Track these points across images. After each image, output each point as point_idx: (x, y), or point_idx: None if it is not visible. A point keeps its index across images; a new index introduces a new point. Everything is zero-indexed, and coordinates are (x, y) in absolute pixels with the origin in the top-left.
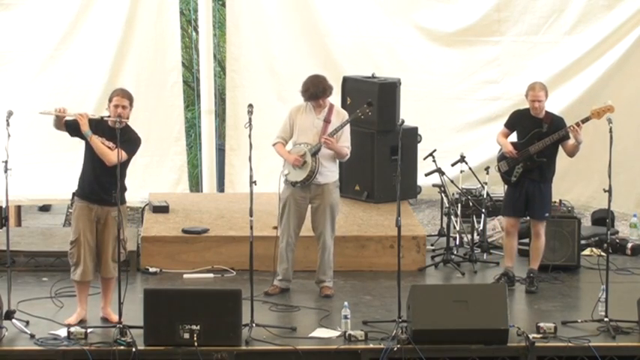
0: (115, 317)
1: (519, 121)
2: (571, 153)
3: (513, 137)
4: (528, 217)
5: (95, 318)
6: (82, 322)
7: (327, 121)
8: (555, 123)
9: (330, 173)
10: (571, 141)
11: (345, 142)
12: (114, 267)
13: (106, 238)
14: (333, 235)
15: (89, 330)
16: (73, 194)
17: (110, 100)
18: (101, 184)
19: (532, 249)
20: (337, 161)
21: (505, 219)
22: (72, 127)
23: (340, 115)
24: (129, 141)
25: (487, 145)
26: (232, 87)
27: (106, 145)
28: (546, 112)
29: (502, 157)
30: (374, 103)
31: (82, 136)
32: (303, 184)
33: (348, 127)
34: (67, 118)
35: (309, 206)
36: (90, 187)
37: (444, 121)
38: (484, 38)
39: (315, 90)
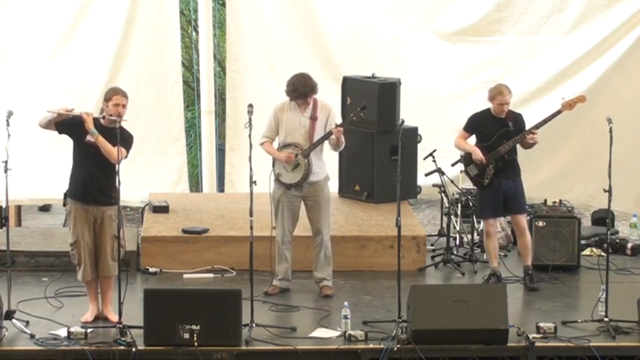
0: (114, 317)
1: (482, 123)
2: (528, 148)
3: (471, 140)
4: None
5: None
6: (97, 319)
7: (313, 118)
8: (518, 120)
9: (320, 170)
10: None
11: None
12: (113, 266)
13: (104, 237)
14: (330, 231)
15: (89, 330)
16: (65, 195)
17: (108, 99)
18: (97, 184)
19: (521, 247)
20: (323, 156)
21: (485, 221)
22: (63, 125)
23: (325, 109)
24: (125, 139)
25: None
26: (232, 87)
27: (96, 136)
28: (508, 111)
29: (470, 161)
30: (374, 103)
31: (71, 134)
32: (296, 185)
33: (334, 114)
34: (73, 112)
35: (303, 204)
36: (85, 188)
37: (444, 121)
38: (484, 38)
39: (304, 89)
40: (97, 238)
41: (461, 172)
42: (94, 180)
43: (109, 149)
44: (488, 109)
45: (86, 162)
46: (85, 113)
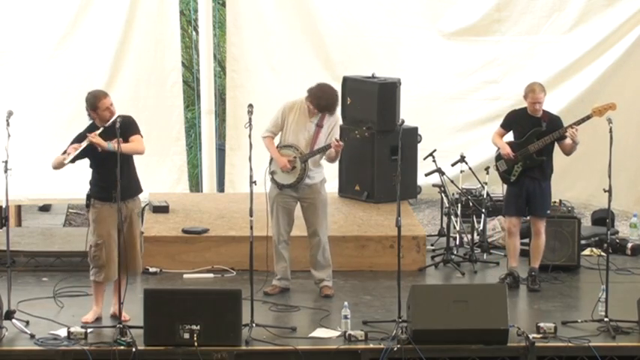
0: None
1: (517, 120)
2: (568, 152)
3: (509, 137)
4: (529, 217)
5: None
6: (98, 321)
7: (319, 125)
8: (553, 121)
9: (316, 175)
10: (568, 140)
11: None
12: (141, 262)
13: (134, 234)
14: (327, 232)
15: (89, 330)
16: (89, 196)
17: (96, 108)
18: (123, 181)
19: (532, 248)
20: (322, 163)
21: (507, 219)
22: (76, 158)
23: (332, 120)
24: (133, 124)
25: (487, 145)
26: (232, 87)
27: (113, 144)
28: (544, 111)
29: (500, 157)
30: (374, 103)
31: (85, 156)
32: (290, 187)
33: (339, 128)
34: (82, 146)
35: (300, 205)
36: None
37: (444, 121)
38: (484, 38)
39: (326, 104)
40: (127, 236)
41: (486, 168)
42: (122, 177)
43: (132, 149)
44: (526, 108)
45: (108, 164)
46: (92, 137)
